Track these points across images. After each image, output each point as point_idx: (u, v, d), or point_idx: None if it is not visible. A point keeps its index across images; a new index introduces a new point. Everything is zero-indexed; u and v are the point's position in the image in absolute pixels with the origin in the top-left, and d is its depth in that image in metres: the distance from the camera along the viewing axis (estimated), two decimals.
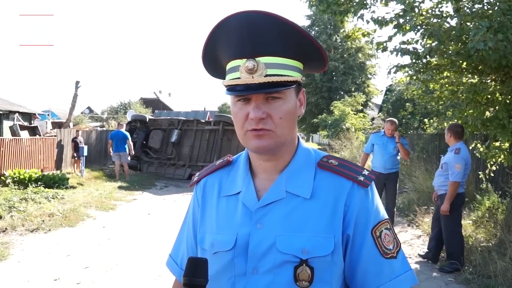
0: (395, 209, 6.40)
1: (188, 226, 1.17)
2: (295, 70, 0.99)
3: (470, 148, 6.11)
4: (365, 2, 5.28)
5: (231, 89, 0.98)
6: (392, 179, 6.14)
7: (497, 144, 5.41)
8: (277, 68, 0.95)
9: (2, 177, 9.26)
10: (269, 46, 0.94)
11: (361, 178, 1.02)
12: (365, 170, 1.05)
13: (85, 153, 12.00)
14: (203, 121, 14.27)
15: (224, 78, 1.03)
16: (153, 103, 47.83)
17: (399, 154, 6.16)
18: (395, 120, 6.36)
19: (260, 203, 1.01)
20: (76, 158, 12.58)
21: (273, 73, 0.94)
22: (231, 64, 0.98)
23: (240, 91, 0.96)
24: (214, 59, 1.04)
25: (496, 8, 4.16)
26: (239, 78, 0.95)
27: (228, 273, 1.00)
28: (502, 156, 5.35)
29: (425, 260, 5.05)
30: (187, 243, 1.16)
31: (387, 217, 1.06)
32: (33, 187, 8.57)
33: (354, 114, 21.04)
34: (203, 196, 1.13)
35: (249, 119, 0.97)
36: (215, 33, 0.97)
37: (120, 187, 10.36)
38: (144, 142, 13.73)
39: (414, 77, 5.94)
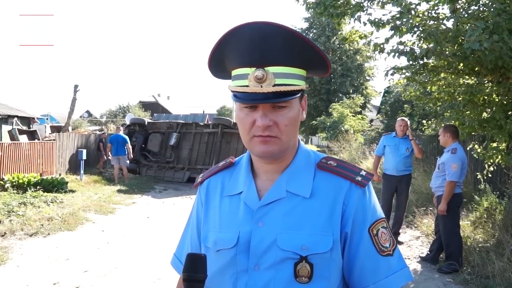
0: (404, 215, 6.08)
1: (192, 226, 1.20)
2: (300, 78, 1.01)
3: (468, 149, 6.13)
4: (362, 4, 5.30)
5: (238, 96, 1.00)
6: (404, 182, 5.82)
7: (495, 144, 5.43)
8: (285, 77, 0.97)
9: (1, 182, 9.25)
10: (277, 56, 0.96)
11: (359, 178, 1.05)
12: (362, 170, 1.09)
13: (84, 157, 12.00)
14: (202, 124, 14.27)
15: (226, 79, 1.06)
16: (152, 106, 47.71)
17: (413, 154, 5.93)
18: (406, 118, 6.21)
19: (261, 202, 1.04)
20: (101, 157, 13.82)
21: (281, 83, 0.96)
22: (238, 71, 1.00)
23: (248, 100, 0.98)
24: (220, 63, 1.06)
25: (492, 9, 4.18)
26: (247, 86, 0.97)
27: (230, 270, 1.04)
28: (499, 157, 5.36)
29: (425, 261, 5.06)
30: (191, 242, 1.19)
31: (383, 216, 1.09)
32: (32, 191, 8.56)
33: (353, 116, 21.10)
34: (206, 196, 1.16)
35: (255, 126, 0.99)
36: (226, 39, 0.99)
37: (119, 191, 10.35)
38: (143, 145, 13.72)
39: (411, 79, 5.96)
